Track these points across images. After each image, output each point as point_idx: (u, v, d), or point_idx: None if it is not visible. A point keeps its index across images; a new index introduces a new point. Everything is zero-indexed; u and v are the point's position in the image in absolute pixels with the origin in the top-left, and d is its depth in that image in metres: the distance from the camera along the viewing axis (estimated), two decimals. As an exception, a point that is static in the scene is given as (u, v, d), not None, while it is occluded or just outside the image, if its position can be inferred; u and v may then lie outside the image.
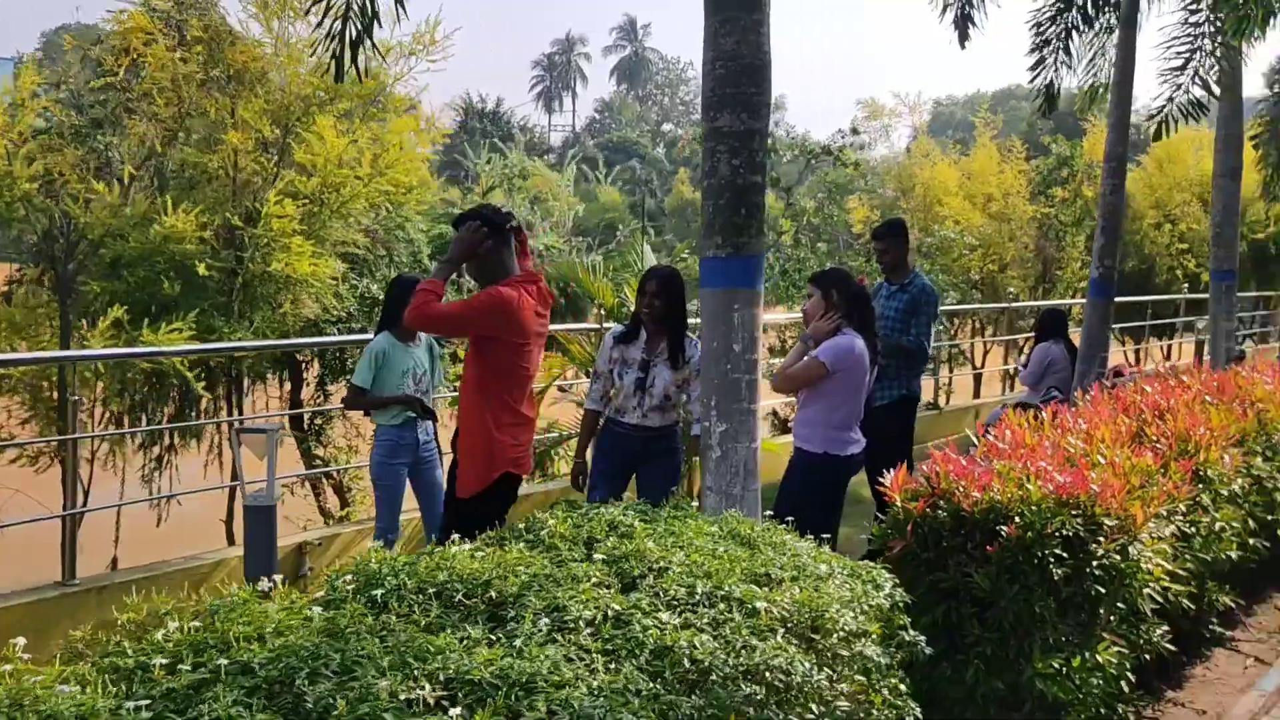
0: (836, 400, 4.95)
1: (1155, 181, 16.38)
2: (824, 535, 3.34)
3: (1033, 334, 9.44)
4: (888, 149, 18.30)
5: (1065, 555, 3.38)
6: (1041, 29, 9.21)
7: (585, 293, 7.47)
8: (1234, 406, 5.32)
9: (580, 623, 2.16)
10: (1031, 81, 9.40)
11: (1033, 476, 3.60)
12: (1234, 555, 4.88)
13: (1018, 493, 3.52)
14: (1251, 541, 5.18)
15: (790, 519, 3.27)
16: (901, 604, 2.84)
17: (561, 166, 43.83)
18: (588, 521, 2.73)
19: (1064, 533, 3.41)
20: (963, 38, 8.42)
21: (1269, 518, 5.54)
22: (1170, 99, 7.71)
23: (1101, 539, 3.45)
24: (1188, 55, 7.45)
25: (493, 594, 2.25)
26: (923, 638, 2.82)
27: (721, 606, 2.34)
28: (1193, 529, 4.33)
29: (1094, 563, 3.45)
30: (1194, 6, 7.38)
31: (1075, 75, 9.58)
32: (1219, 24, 6.88)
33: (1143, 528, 3.62)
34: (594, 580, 2.33)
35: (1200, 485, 4.47)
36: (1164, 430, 4.57)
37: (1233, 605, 5.07)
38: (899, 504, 3.62)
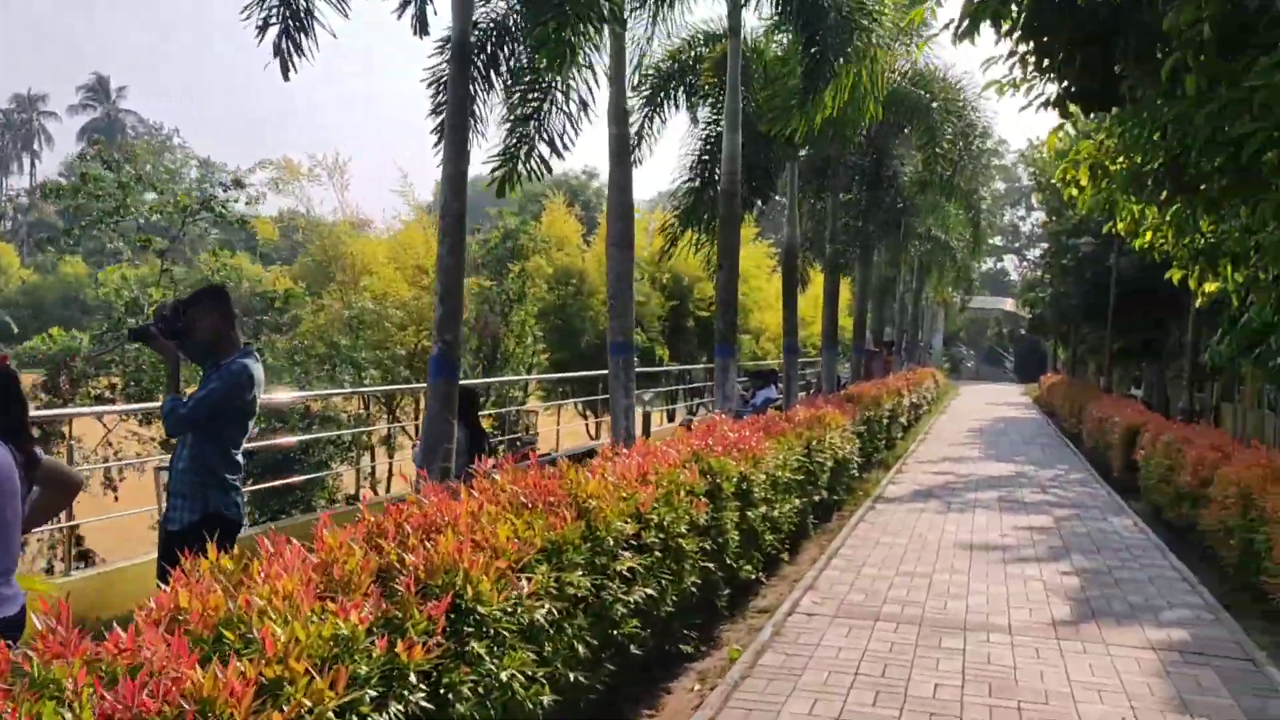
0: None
1: (610, 259, 16.66)
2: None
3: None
4: (306, 209, 17.05)
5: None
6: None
7: None
8: (559, 510, 4.39)
9: None
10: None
11: (93, 680, 2.19)
12: (547, 701, 3.88)
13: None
14: (575, 676, 4.23)
15: None
16: None
17: (13, 233, 38.50)
18: None
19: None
20: (284, 68, 7.18)
21: (610, 635, 4.70)
22: (516, 152, 7.03)
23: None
24: (537, 104, 6.80)
25: None
26: None
27: None
28: (449, 698, 3.18)
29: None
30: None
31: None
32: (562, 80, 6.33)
33: (292, 742, 2.33)
34: None
35: (468, 631, 3.36)
36: (426, 559, 3.41)
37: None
38: None
